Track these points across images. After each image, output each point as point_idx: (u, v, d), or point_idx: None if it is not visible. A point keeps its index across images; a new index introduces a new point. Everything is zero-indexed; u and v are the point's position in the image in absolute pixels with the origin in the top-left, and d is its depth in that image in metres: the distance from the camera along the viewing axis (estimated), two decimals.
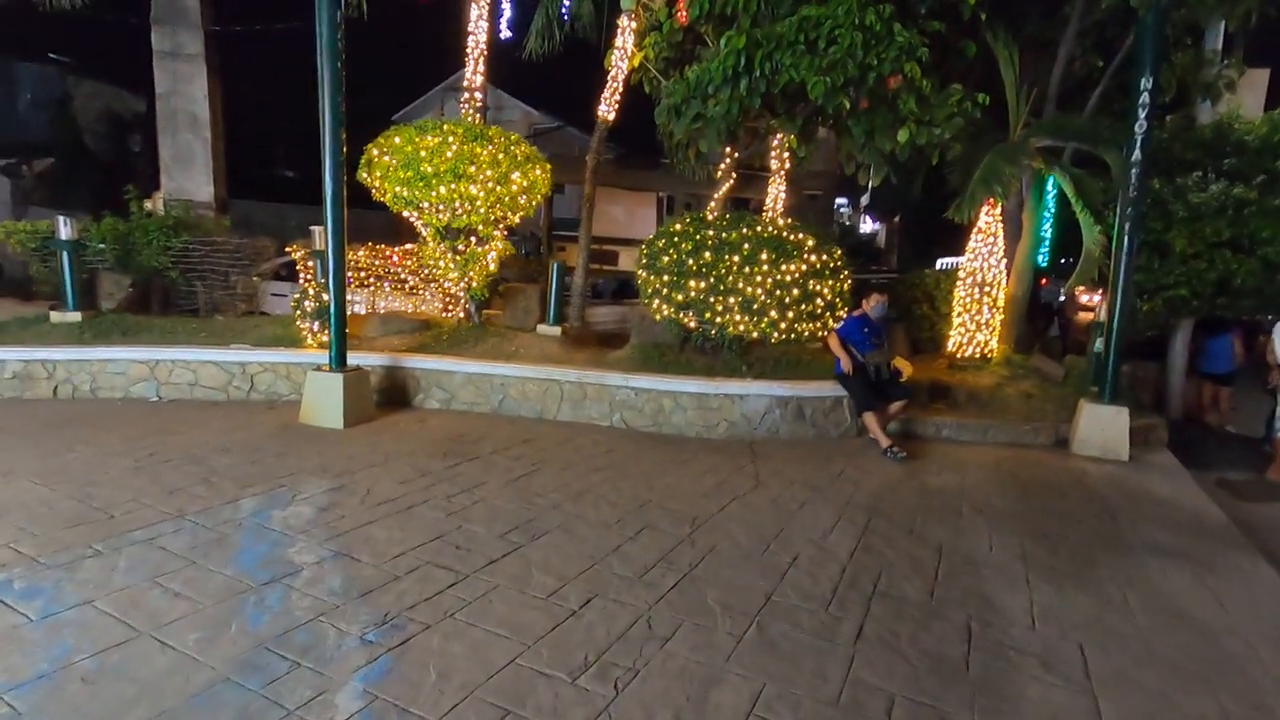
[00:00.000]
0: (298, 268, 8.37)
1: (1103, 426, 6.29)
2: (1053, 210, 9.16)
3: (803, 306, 6.44)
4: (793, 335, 6.51)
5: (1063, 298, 13.53)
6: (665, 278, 6.52)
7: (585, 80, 9.82)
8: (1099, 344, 7.14)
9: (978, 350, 7.89)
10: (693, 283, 6.38)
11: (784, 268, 6.29)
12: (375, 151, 7.15)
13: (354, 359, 6.24)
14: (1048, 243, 9.39)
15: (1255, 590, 3.68)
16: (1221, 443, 8.47)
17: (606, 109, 8.48)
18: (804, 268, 6.39)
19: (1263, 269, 7.52)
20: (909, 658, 2.78)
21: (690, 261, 6.40)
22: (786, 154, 8.31)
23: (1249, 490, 6.20)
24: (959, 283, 8.05)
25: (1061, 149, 7.89)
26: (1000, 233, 7.81)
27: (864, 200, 41.51)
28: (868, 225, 45.33)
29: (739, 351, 6.77)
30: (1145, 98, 5.87)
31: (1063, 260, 10.22)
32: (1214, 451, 7.84)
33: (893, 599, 3.31)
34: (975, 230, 7.86)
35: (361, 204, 7.03)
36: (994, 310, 7.85)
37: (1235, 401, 9.32)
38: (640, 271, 6.82)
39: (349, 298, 6.52)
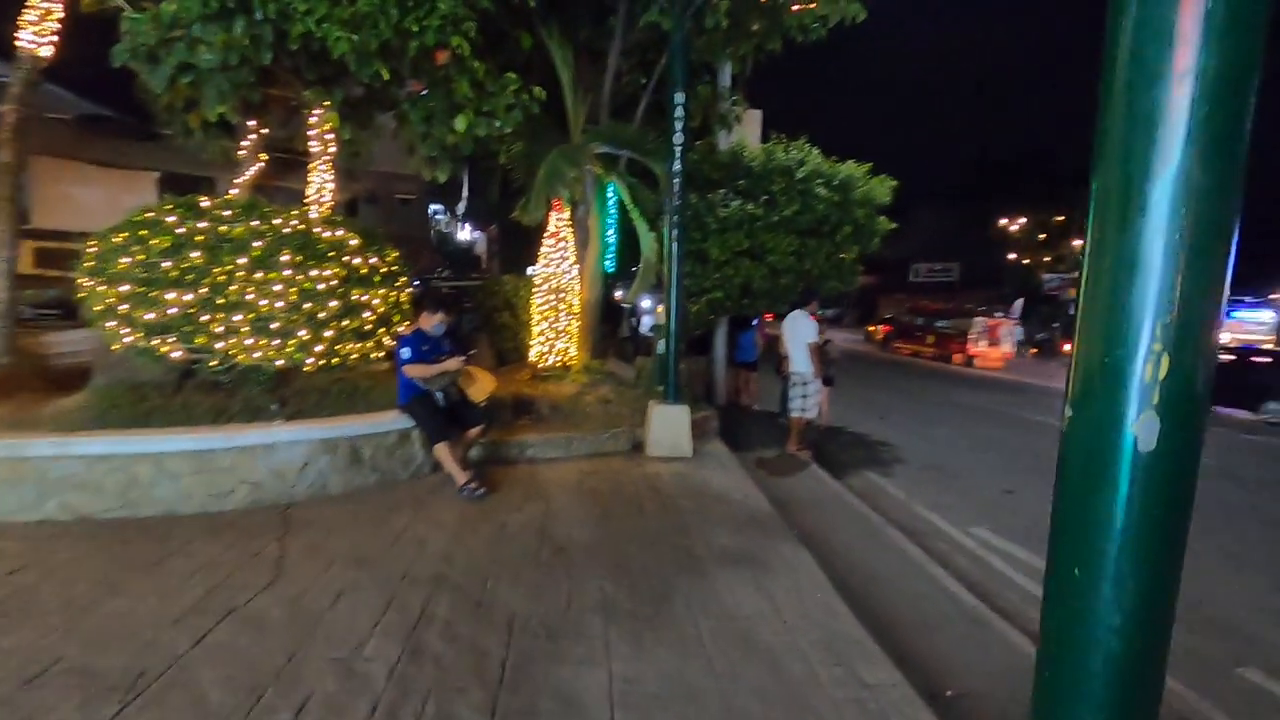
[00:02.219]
0: None
1: (670, 426, 6.50)
2: (615, 217, 9.62)
3: (345, 322, 5.10)
4: (335, 360, 5.11)
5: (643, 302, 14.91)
6: (126, 288, 4.44)
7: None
8: (661, 345, 7.53)
9: (559, 359, 7.67)
10: (173, 294, 4.45)
11: (315, 273, 4.85)
12: None
13: None
14: (614, 249, 9.85)
15: (802, 587, 3.78)
16: (753, 420, 9.96)
17: (35, 39, 5.72)
18: (344, 273, 5.05)
19: (770, 274, 8.91)
20: None
21: (168, 265, 4.46)
22: (330, 136, 6.81)
23: (778, 465, 7.12)
24: (536, 290, 7.70)
25: (618, 157, 8.20)
26: (571, 238, 7.70)
27: (461, 207, 41.34)
28: (466, 233, 45.42)
29: (269, 387, 5.09)
30: (680, 112, 6.17)
31: (632, 269, 10.99)
32: (749, 430, 9.09)
33: None
34: (547, 235, 7.60)
35: None
36: (571, 317, 7.71)
37: (758, 384, 11.20)
38: (83, 279, 4.58)
39: None
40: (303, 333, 4.79)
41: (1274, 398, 13.82)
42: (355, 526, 4.34)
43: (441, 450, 5.07)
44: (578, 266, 7.86)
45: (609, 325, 11.80)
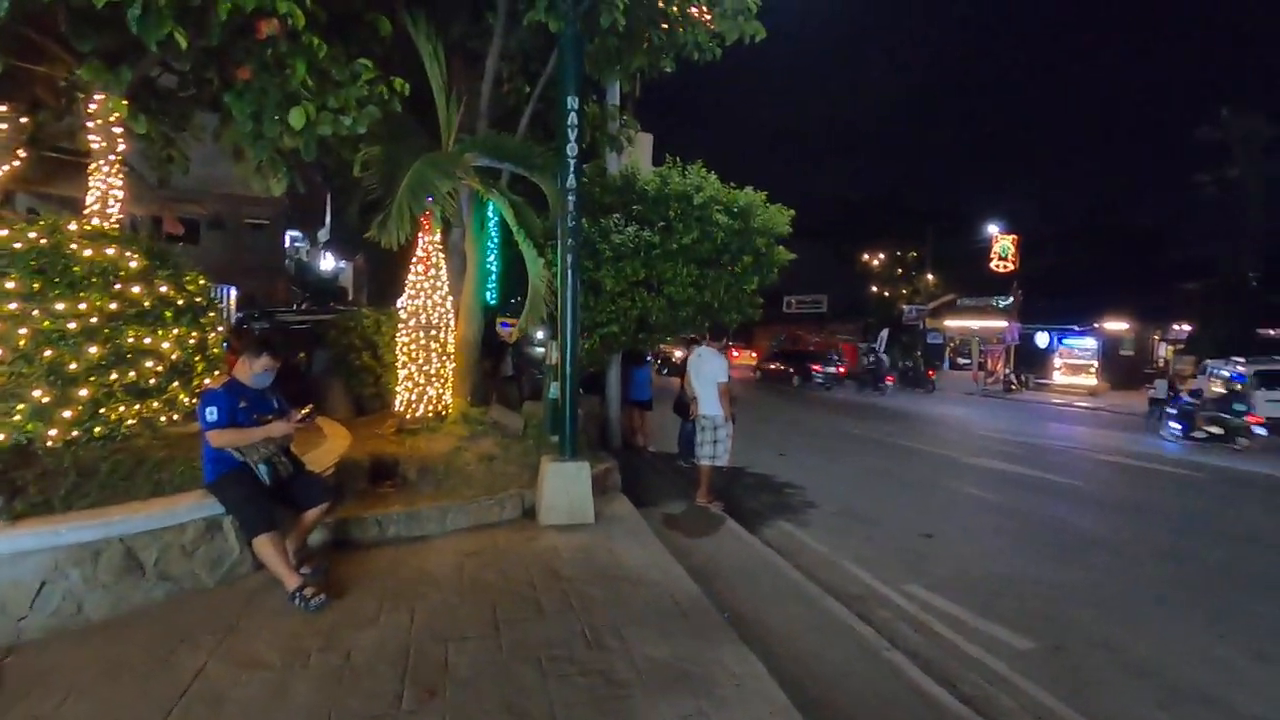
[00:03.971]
0: None
1: (567, 487, 5.47)
2: (497, 241, 8.53)
3: (114, 376, 3.66)
4: (99, 429, 3.66)
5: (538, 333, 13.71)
6: None
7: None
8: (554, 389, 6.52)
9: (431, 408, 6.42)
10: None
11: (63, 307, 3.40)
12: None
13: None
14: (496, 277, 8.73)
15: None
16: (652, 466, 9.12)
17: None
18: (113, 307, 3.62)
19: (669, 306, 8.19)
20: None
21: None
22: (119, 131, 5.27)
23: (690, 522, 6.27)
24: (401, 326, 6.45)
25: (499, 172, 7.17)
26: (444, 265, 6.55)
27: (323, 233, 37.97)
28: (329, 262, 41.76)
29: None
30: (574, 119, 5.29)
31: (514, 299, 9.88)
32: (650, 479, 8.23)
33: None
34: (415, 261, 6.41)
35: None
36: (444, 357, 6.51)
37: (653, 423, 10.42)
38: None
39: None
40: (39, 393, 3.31)
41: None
42: (115, 678, 2.94)
43: (265, 544, 3.73)
44: (452, 298, 6.70)
45: (490, 362, 10.58)
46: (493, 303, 8.96)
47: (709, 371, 6.65)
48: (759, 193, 8.58)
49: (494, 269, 8.58)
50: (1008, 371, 28.44)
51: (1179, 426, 14.54)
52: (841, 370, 29.14)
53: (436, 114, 6.36)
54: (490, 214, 8.11)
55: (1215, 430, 13.73)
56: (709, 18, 7.28)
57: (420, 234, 6.35)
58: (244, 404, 3.79)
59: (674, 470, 8.90)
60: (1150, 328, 28.69)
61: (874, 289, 39.60)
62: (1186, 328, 26.01)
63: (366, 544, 4.77)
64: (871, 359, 29.26)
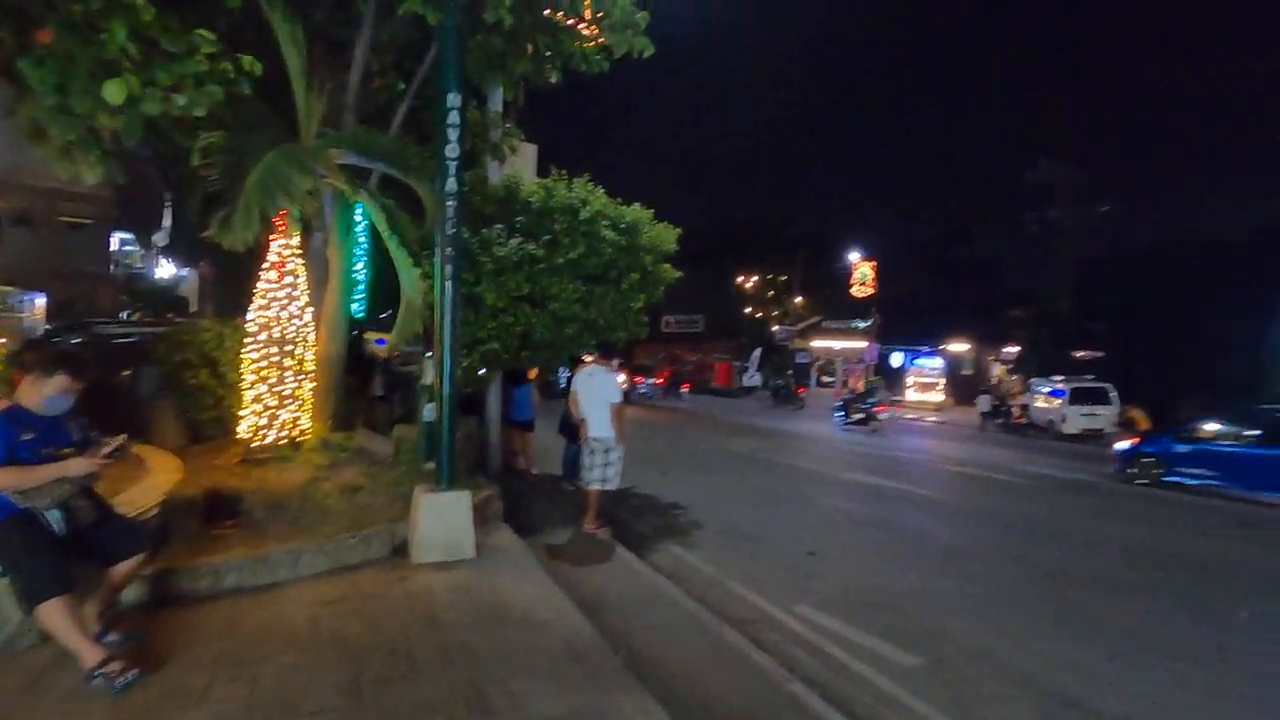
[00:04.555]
0: None
1: (445, 520, 4.96)
2: (366, 247, 7.80)
3: None
4: None
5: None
6: None
7: None
8: (429, 410, 5.97)
9: (284, 434, 5.66)
10: None
11: None
12: None
13: None
14: (364, 287, 7.97)
15: None
16: (536, 490, 8.70)
17: None
18: None
19: (554, 323, 7.86)
20: None
21: None
22: None
23: (578, 551, 5.93)
24: (249, 340, 5.65)
25: (369, 172, 6.54)
26: (302, 272, 5.84)
27: (161, 237, 33.80)
28: (167, 269, 37.19)
29: None
30: (455, 117, 4.88)
31: (385, 314, 9.11)
32: (534, 504, 7.81)
33: None
34: (266, 267, 5.66)
35: None
36: (302, 376, 5.78)
37: (535, 444, 10.00)
38: None
39: None
40: None
41: None
42: None
43: (53, 611, 2.98)
44: (312, 309, 5.98)
45: (357, 381, 9.69)
46: (360, 315, 8.18)
47: (601, 391, 6.39)
48: (646, 210, 8.48)
49: (362, 278, 7.83)
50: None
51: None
52: (659, 381, 31.06)
53: (295, 103, 5.68)
54: (358, 218, 7.40)
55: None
56: (596, 30, 7.12)
57: (273, 236, 5.62)
58: (29, 435, 3.03)
59: (559, 494, 8.53)
60: (986, 349, 31.96)
61: (747, 310, 41.28)
62: (1015, 349, 29.20)
63: (198, 598, 4.03)
64: (782, 379, 30.60)
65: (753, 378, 34.51)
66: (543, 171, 9.20)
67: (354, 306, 7.60)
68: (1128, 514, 9.91)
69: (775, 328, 38.13)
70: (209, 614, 3.86)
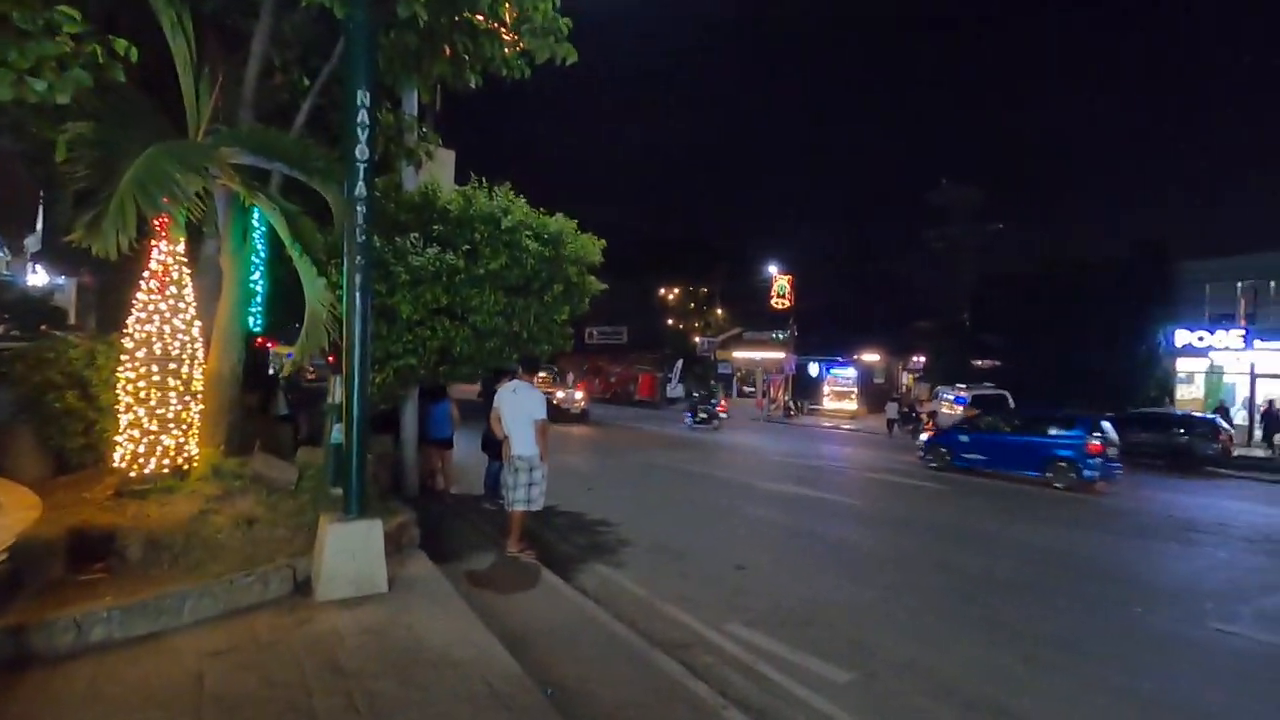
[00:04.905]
0: None
1: (354, 551, 4.56)
2: (265, 256, 7.20)
3: None
4: None
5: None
6: None
7: None
8: (337, 432, 5.53)
9: (166, 462, 5.06)
10: None
11: None
12: None
13: None
14: (263, 299, 7.36)
15: None
16: (455, 512, 8.27)
17: None
18: None
19: (474, 336, 7.53)
20: None
21: None
22: None
23: (501, 577, 5.62)
24: (126, 357, 5.04)
25: (268, 174, 6.02)
26: (188, 282, 5.28)
27: (32, 242, 30.51)
28: (39, 277, 33.64)
29: None
30: (364, 116, 4.53)
31: (291, 325, 8.46)
32: (453, 527, 7.42)
33: None
34: (147, 276, 5.08)
35: None
36: (187, 398, 5.21)
37: (453, 462, 9.55)
38: None
39: None
40: None
41: None
42: None
43: None
44: (200, 323, 5.42)
45: (257, 400, 8.94)
46: (258, 329, 7.55)
47: (525, 407, 6.12)
48: (570, 220, 8.28)
49: (261, 289, 7.23)
50: (787, 399, 31.30)
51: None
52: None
53: (180, 95, 5.14)
54: (256, 223, 6.83)
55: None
56: (517, 36, 6.90)
57: (155, 242, 5.05)
58: None
59: (480, 515, 8.15)
60: (896, 359, 33.48)
61: (670, 322, 41.63)
62: (923, 359, 30.73)
63: (57, 658, 3.49)
64: (704, 391, 30.70)
65: (676, 389, 34.74)
66: (461, 179, 8.85)
67: (251, 320, 6.98)
68: (1029, 516, 10.45)
69: (697, 339, 38.59)
70: (70, 676, 3.34)
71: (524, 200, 8.02)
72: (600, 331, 45.07)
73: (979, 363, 26.36)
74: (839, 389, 31.65)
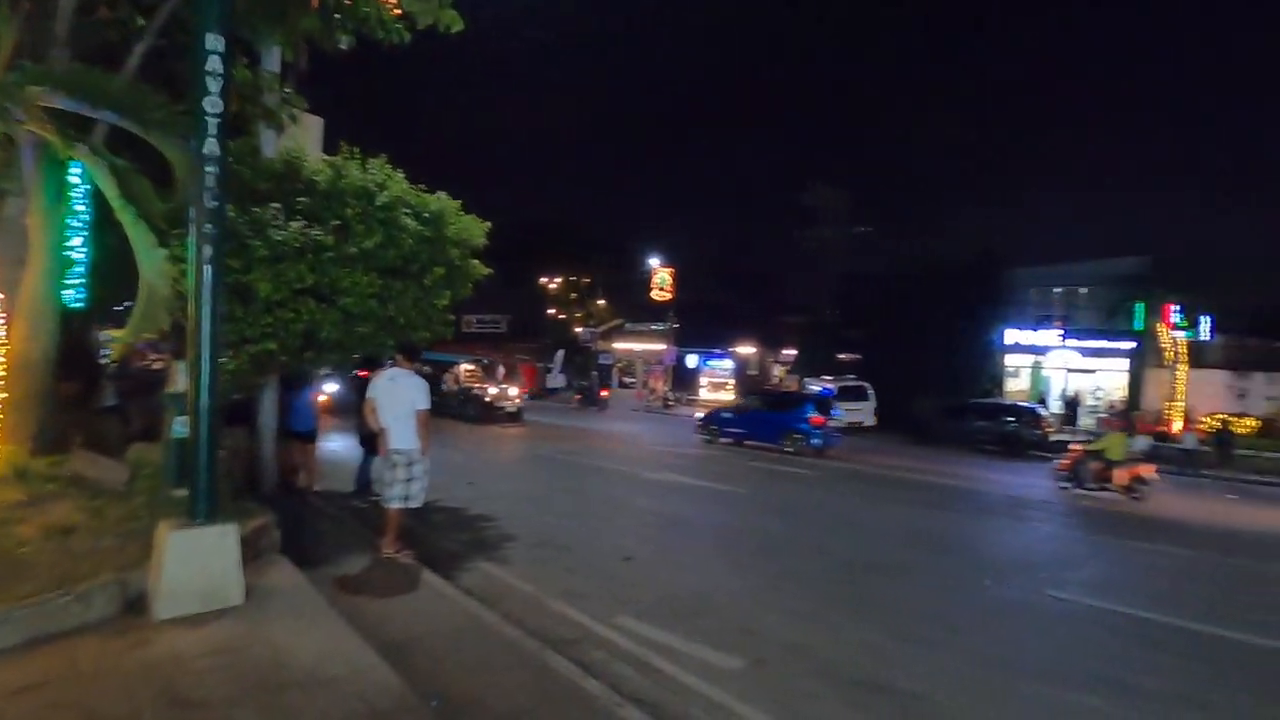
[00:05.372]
0: None
1: (201, 560, 4.00)
2: (89, 219, 6.17)
3: None
4: None
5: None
6: None
7: None
8: (179, 425, 4.85)
9: None
10: None
11: None
12: None
13: None
14: (85, 268, 6.31)
15: None
16: (319, 510, 7.62)
17: None
18: None
19: (344, 320, 6.92)
20: None
21: None
22: None
23: (377, 581, 5.19)
24: None
25: (92, 124, 5.12)
26: None
27: None
28: None
29: None
30: (216, 64, 3.94)
31: (124, 304, 7.34)
32: (318, 527, 6.82)
33: None
34: None
35: None
36: None
37: (317, 457, 8.80)
38: None
39: None
40: None
41: None
42: None
43: None
44: (2, 297, 4.54)
45: (77, 388, 7.71)
46: (77, 305, 6.49)
47: (405, 398, 5.67)
48: (453, 200, 7.81)
49: (82, 258, 6.19)
50: (667, 390, 31.88)
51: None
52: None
53: None
54: (79, 181, 5.83)
55: None
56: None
57: None
58: None
59: (350, 513, 7.56)
60: (768, 352, 35.06)
61: (551, 311, 41.08)
62: (793, 352, 32.40)
63: None
64: (587, 381, 30.34)
65: (557, 379, 34.38)
66: (331, 150, 8.09)
67: (70, 294, 5.97)
68: (886, 499, 11.27)
69: (579, 329, 38.37)
70: None
71: (402, 175, 7.46)
72: (479, 320, 43.66)
73: (843, 356, 28.17)
74: (716, 380, 32.70)
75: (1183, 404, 21.14)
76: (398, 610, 4.69)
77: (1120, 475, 11.44)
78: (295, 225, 6.49)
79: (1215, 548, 8.59)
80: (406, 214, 7.15)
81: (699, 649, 4.59)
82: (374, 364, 8.07)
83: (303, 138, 8.01)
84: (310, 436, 8.56)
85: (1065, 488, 12.16)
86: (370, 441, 6.99)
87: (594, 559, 6.66)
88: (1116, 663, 4.77)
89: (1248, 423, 20.72)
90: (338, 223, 6.83)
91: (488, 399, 20.56)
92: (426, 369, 17.98)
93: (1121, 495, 11.34)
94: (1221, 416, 20.63)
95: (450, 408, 20.10)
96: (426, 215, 7.36)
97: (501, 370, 26.99)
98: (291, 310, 6.57)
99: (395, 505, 5.69)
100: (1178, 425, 20.65)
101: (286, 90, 7.56)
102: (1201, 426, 19.73)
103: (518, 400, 21.35)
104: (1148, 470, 11.49)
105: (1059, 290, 25.51)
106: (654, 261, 34.27)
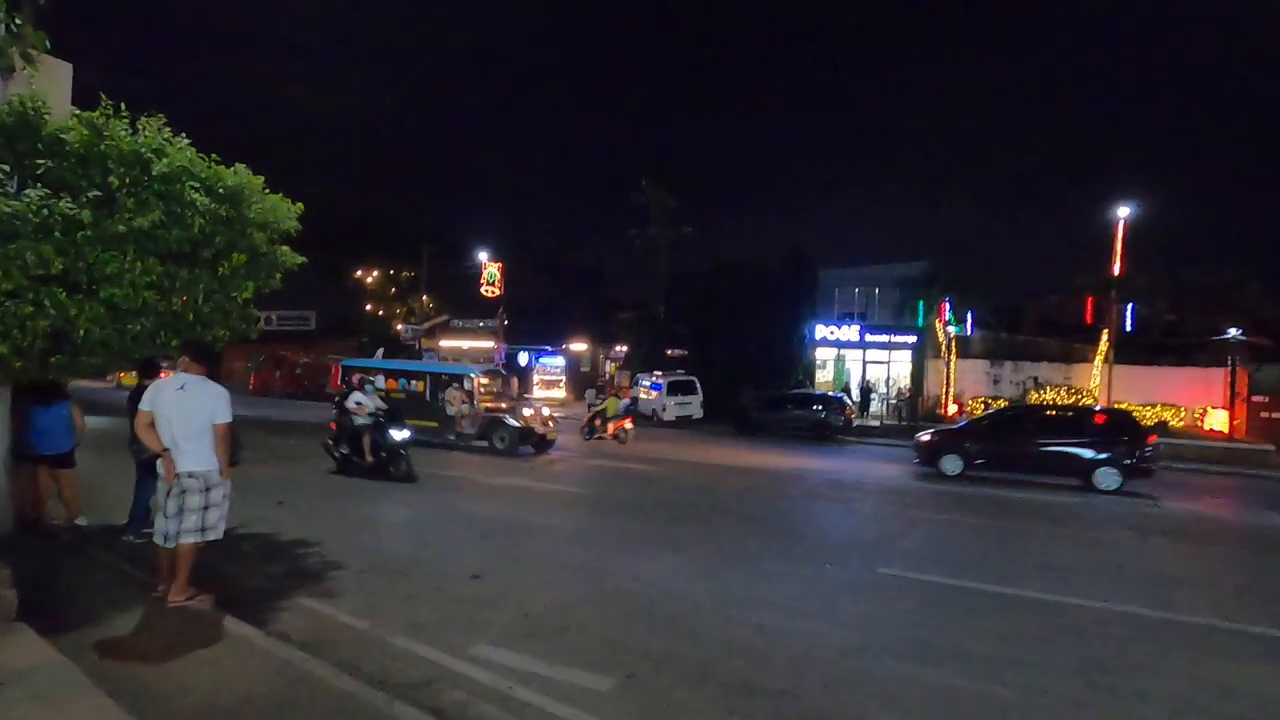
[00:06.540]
0: None
1: None
2: None
3: None
4: None
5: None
6: None
7: None
8: None
9: None
10: None
11: None
12: None
13: None
14: None
15: None
16: (81, 552, 6.14)
17: None
18: None
19: (111, 315, 5.60)
20: None
21: None
22: None
23: (161, 642, 4.18)
24: None
25: None
26: None
27: None
28: None
29: None
30: None
31: None
32: (75, 576, 5.45)
33: None
34: None
35: None
36: None
37: (76, 486, 7.12)
38: None
39: None
40: None
41: None
42: None
43: None
44: None
45: None
46: None
47: (201, 409, 4.65)
48: (256, 176, 6.65)
49: None
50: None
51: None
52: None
53: None
54: None
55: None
56: None
57: None
58: None
59: (120, 552, 6.17)
60: (600, 348, 35.31)
61: (369, 307, 38.04)
62: (625, 348, 32.89)
63: None
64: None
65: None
66: (86, 103, 6.51)
67: None
68: (724, 489, 11.68)
69: (400, 326, 35.89)
70: None
71: (188, 142, 6.19)
72: (281, 316, 39.26)
73: (672, 352, 29.10)
74: (548, 378, 32.25)
75: (953, 389, 24.49)
76: (194, 675, 3.78)
77: (611, 427, 17.76)
78: (33, 194, 5.10)
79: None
80: (194, 188, 5.93)
81: (566, 671, 4.26)
82: (150, 369, 6.67)
83: (45, 86, 6.34)
84: (65, 460, 6.91)
85: (587, 438, 18.11)
86: (149, 464, 5.71)
87: (438, 580, 6.03)
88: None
89: (1000, 403, 24.60)
90: (98, 194, 5.49)
91: (519, 421, 14.90)
92: (380, 388, 14.43)
93: (611, 440, 17.56)
94: (984, 399, 24.23)
95: (461, 436, 15.48)
96: (221, 191, 6.17)
97: (515, 382, 21.42)
98: (30, 303, 5.16)
99: (188, 540, 4.65)
100: (953, 409, 23.92)
101: (18, 21, 5.92)
102: (970, 409, 23.10)
103: (552, 423, 15.81)
104: (629, 422, 17.84)
105: (858, 289, 28.42)
106: (483, 256, 33.00)
